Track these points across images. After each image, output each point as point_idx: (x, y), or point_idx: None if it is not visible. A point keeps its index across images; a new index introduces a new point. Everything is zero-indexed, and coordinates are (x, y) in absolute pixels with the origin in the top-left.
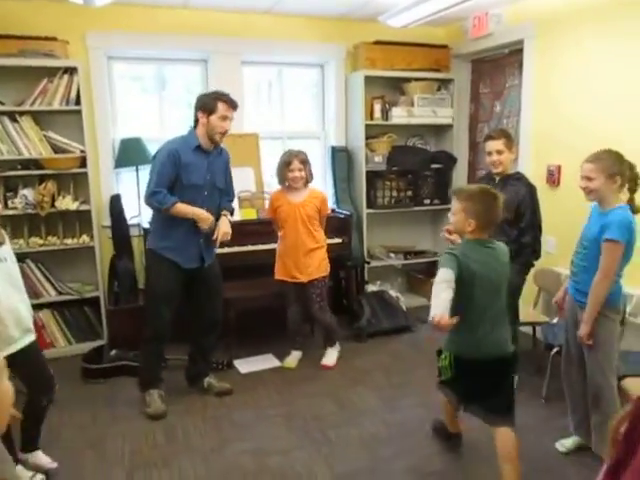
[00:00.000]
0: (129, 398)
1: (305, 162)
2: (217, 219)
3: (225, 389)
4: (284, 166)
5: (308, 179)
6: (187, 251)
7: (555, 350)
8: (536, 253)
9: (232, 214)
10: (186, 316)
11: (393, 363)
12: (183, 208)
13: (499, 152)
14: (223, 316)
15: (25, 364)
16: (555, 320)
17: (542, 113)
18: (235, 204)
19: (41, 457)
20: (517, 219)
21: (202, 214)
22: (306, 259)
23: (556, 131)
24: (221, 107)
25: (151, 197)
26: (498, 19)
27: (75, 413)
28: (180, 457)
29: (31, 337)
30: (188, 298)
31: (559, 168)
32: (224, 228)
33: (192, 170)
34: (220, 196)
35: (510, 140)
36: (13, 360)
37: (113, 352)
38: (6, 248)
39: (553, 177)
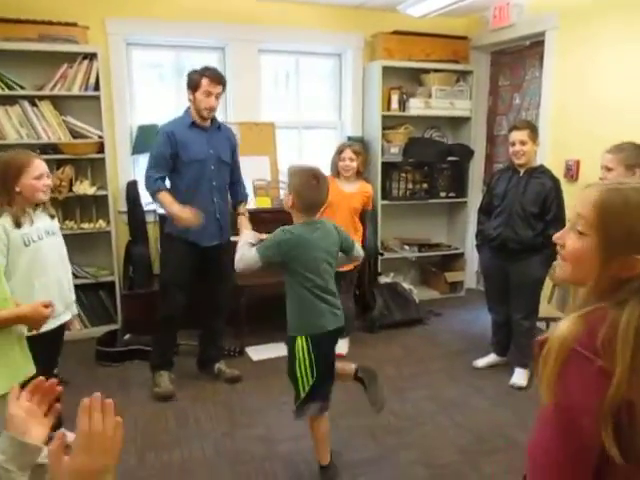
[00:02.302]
0: (141, 382)
1: (358, 153)
2: (235, 206)
3: (234, 376)
4: (337, 154)
5: (360, 170)
6: (206, 229)
7: None
8: None
9: (246, 202)
10: (197, 300)
11: (404, 355)
12: (164, 199)
13: (522, 143)
14: (235, 303)
15: (55, 341)
16: None
17: (562, 107)
18: (250, 192)
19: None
20: (543, 212)
21: (178, 213)
22: None
23: (576, 125)
24: (205, 83)
25: (144, 181)
26: (520, 10)
27: (89, 394)
28: (191, 441)
29: (70, 313)
30: (200, 280)
31: (578, 163)
32: (246, 228)
33: (190, 146)
34: (229, 173)
35: (535, 132)
36: (44, 336)
37: (127, 336)
38: (56, 223)
39: (571, 172)
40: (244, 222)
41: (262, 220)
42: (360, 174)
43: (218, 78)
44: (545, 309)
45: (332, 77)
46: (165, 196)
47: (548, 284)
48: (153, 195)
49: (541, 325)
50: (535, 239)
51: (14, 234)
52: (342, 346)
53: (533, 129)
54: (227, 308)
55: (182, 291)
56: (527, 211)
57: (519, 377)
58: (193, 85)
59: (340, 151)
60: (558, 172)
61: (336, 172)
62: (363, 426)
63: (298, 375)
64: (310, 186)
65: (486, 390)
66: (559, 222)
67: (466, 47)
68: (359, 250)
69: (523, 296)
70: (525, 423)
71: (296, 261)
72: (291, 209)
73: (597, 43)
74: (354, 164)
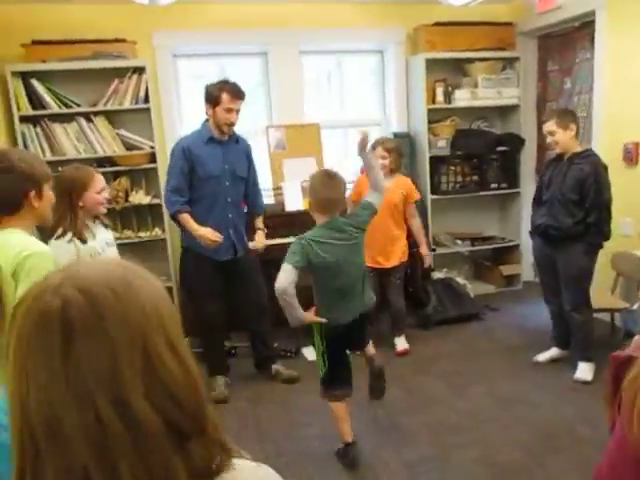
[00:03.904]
0: None
1: (390, 150)
2: (250, 215)
3: (292, 377)
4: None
5: (393, 168)
6: (220, 244)
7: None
8: (603, 234)
9: (263, 213)
10: (237, 305)
11: (460, 351)
12: (186, 221)
13: (551, 133)
14: None
15: None
16: (635, 306)
17: (617, 88)
18: (299, 194)
19: None
20: (582, 199)
21: (205, 235)
22: (392, 245)
23: (633, 106)
24: (225, 98)
25: (165, 200)
26: None
27: None
28: (251, 441)
29: None
30: (233, 289)
31: (637, 145)
32: (262, 243)
33: (207, 162)
34: (245, 186)
35: (563, 118)
36: None
37: (186, 339)
38: (111, 233)
39: (630, 155)
40: (260, 238)
41: (309, 221)
42: (393, 172)
43: (238, 93)
44: (609, 300)
45: (375, 74)
46: (187, 218)
47: (611, 274)
48: (173, 215)
49: (604, 316)
50: (575, 227)
51: (82, 249)
52: (402, 343)
53: (561, 116)
54: (266, 309)
55: (212, 300)
56: (566, 198)
57: (583, 371)
58: (212, 100)
59: (373, 148)
60: (616, 156)
61: None
62: (423, 424)
63: (318, 359)
64: (324, 184)
65: (548, 385)
66: (598, 209)
67: (511, 33)
68: (376, 194)
69: (570, 287)
70: (591, 419)
71: (315, 261)
72: (313, 212)
73: None
74: (386, 162)
